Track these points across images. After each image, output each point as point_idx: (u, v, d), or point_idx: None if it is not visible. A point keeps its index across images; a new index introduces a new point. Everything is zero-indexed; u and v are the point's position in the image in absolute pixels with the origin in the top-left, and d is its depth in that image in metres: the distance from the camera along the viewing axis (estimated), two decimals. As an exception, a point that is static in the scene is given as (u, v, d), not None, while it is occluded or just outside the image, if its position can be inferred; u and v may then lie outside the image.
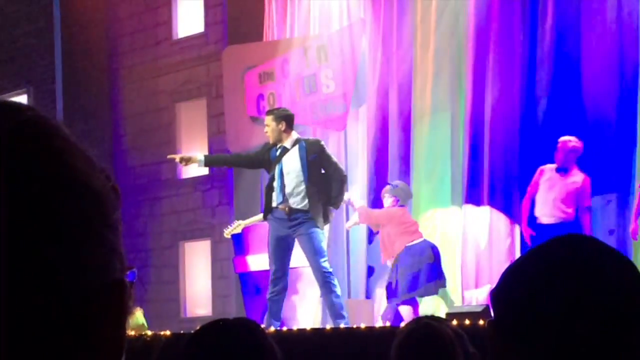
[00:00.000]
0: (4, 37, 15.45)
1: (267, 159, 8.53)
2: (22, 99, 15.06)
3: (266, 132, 8.49)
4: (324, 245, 8.45)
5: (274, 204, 8.45)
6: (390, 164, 10.96)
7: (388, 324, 8.61)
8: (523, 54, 9.98)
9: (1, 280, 0.69)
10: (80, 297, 0.72)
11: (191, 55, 14.32)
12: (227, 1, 13.33)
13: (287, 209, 8.34)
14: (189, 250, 14.58)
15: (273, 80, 11.86)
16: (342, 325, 8.11)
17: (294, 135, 8.49)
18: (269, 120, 8.48)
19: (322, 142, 8.71)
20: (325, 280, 8.30)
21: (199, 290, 14.40)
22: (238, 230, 9.71)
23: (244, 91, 12.16)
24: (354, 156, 11.38)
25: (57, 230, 0.71)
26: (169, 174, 14.64)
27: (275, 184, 8.43)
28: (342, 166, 8.91)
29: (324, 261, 8.30)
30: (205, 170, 14.24)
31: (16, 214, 0.69)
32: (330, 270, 8.42)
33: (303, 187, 8.34)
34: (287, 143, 8.42)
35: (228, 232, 9.78)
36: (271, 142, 8.45)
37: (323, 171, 8.47)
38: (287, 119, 8.47)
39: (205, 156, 9.04)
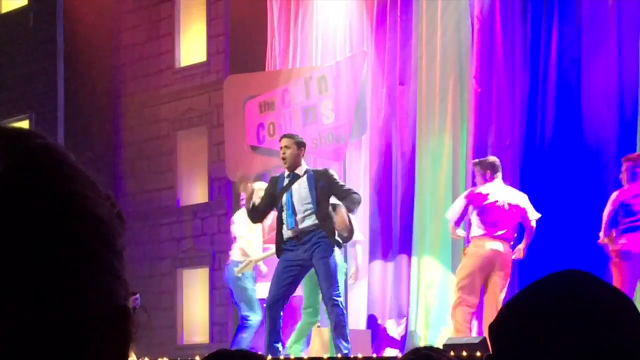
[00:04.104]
0: (6, 62, 15.49)
1: (275, 191, 8.26)
2: (24, 124, 15.07)
3: (283, 154, 8.22)
4: (339, 273, 8.15)
5: (285, 236, 8.16)
6: (394, 194, 10.92)
7: (386, 354, 8.56)
8: (524, 81, 10.04)
9: (3, 305, 0.69)
10: (83, 323, 0.73)
11: (193, 84, 14.36)
12: (229, 31, 13.39)
13: (298, 234, 8.07)
14: (187, 277, 14.54)
15: (273, 110, 11.88)
16: (339, 355, 8.04)
17: (304, 164, 8.35)
18: (289, 142, 8.24)
19: (331, 171, 8.36)
20: (334, 312, 7.99)
21: (196, 318, 14.35)
22: (249, 269, 9.47)
23: (244, 120, 12.18)
24: (354, 186, 11.33)
25: (63, 256, 0.72)
26: (168, 201, 14.63)
27: (285, 213, 8.13)
28: (356, 192, 8.40)
29: (335, 290, 7.98)
30: (204, 198, 14.24)
31: (22, 240, 0.70)
32: (341, 299, 8.11)
33: (313, 212, 8.04)
34: (299, 171, 8.22)
35: (238, 271, 9.49)
36: (287, 165, 8.20)
37: (332, 200, 8.12)
38: (304, 147, 8.32)
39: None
